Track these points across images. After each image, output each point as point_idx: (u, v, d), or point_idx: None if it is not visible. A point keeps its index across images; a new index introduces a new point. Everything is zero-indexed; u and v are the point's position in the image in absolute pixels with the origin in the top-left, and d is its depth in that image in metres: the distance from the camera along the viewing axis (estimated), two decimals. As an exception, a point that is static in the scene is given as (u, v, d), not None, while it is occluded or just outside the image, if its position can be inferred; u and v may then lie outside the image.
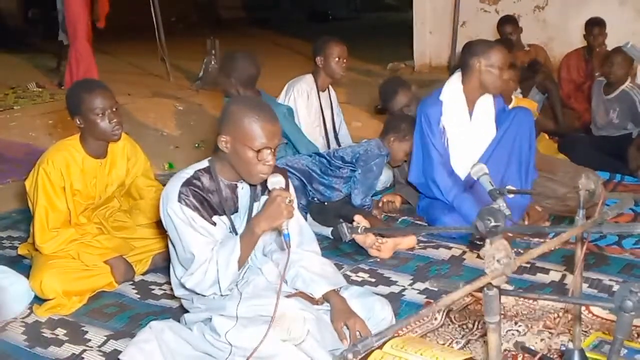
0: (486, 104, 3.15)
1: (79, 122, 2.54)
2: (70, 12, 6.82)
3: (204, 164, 2.07)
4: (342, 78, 3.87)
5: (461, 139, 3.13)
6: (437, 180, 3.10)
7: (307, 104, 3.75)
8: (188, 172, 2.04)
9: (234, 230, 2.07)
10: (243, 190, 2.09)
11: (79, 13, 6.80)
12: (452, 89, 3.13)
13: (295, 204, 2.05)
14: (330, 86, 3.92)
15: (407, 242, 2.98)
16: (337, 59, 3.73)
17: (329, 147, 3.87)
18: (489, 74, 3.00)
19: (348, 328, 1.99)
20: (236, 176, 2.05)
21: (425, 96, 3.32)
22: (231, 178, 2.06)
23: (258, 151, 1.93)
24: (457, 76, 3.15)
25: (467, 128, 3.13)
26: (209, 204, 2.01)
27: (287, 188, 2.05)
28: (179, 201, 1.97)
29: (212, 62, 7.41)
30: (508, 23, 5.14)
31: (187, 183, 2.00)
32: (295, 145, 3.58)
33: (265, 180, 1.99)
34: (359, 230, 2.11)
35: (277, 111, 3.51)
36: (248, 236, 1.97)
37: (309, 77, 3.80)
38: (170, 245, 2.11)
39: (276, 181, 1.96)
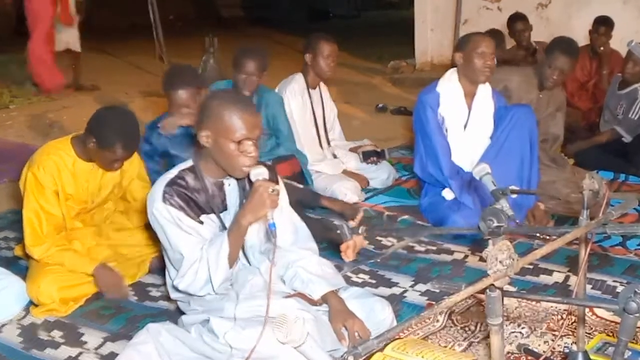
0: (485, 98, 3.15)
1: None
2: (31, 8, 6.01)
3: (188, 163, 2.06)
4: (332, 76, 3.77)
5: (460, 131, 3.13)
6: (441, 164, 3.10)
7: (301, 104, 3.70)
8: (172, 172, 2.03)
9: (224, 228, 2.05)
10: (230, 187, 2.07)
11: (41, 10, 6.02)
12: (449, 80, 3.17)
13: (285, 197, 2.02)
14: (321, 83, 3.86)
15: (359, 244, 2.86)
16: (325, 57, 3.63)
17: (320, 145, 3.81)
18: (469, 63, 3.06)
19: (347, 329, 1.97)
20: (221, 173, 2.03)
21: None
22: (217, 175, 2.04)
23: (239, 143, 1.91)
24: (452, 70, 3.19)
25: (465, 121, 3.13)
26: (195, 203, 2.00)
27: (274, 180, 2.02)
28: (164, 201, 1.96)
29: (211, 61, 7.40)
30: (519, 20, 5.09)
31: (171, 183, 1.98)
32: (282, 137, 3.53)
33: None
34: (360, 231, 2.09)
35: (272, 100, 3.50)
36: (235, 230, 1.95)
37: (299, 77, 3.73)
38: (162, 248, 2.09)
39: (259, 172, 1.95)
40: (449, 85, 3.16)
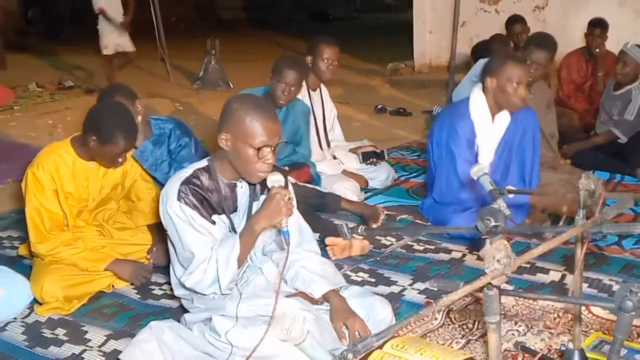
0: (506, 114, 3.08)
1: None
2: None
3: (204, 163, 2.07)
4: (332, 79, 3.76)
5: (487, 154, 3.07)
6: (462, 194, 3.02)
7: None
8: (187, 171, 2.04)
9: (233, 229, 2.07)
10: (242, 190, 2.09)
11: None
12: (479, 105, 3.02)
13: (294, 203, 2.05)
14: (322, 85, 3.86)
15: (358, 248, 2.90)
16: (325, 60, 3.62)
17: (320, 146, 3.83)
18: (502, 92, 2.91)
19: (347, 328, 1.99)
20: (235, 175, 2.05)
21: (448, 107, 3.25)
22: (230, 177, 2.06)
23: (258, 149, 1.93)
24: (479, 91, 3.04)
25: (491, 137, 3.08)
26: (208, 202, 2.02)
27: (286, 186, 2.05)
28: (179, 200, 1.97)
29: (212, 62, 7.43)
30: (517, 22, 5.12)
31: (187, 182, 2.00)
32: (299, 145, 3.56)
33: (264, 180, 1.99)
34: (360, 231, 2.12)
35: (300, 110, 3.51)
36: (247, 234, 1.98)
37: None
38: (169, 245, 2.11)
39: (275, 179, 1.96)
40: (481, 112, 3.01)
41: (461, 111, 3.06)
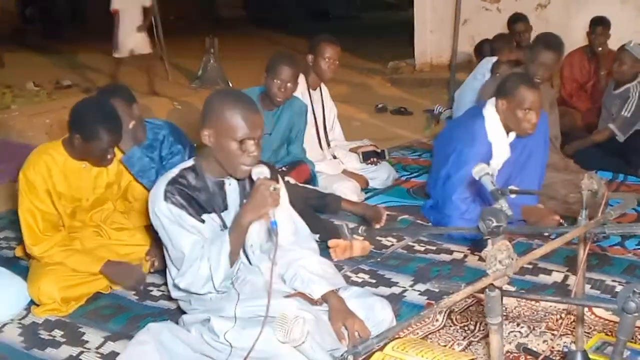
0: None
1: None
2: None
3: (190, 162, 2.07)
4: (333, 78, 3.75)
5: (499, 165, 3.03)
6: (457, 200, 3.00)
7: None
8: (174, 172, 2.04)
9: (225, 228, 2.06)
10: (231, 187, 2.08)
11: None
12: (495, 125, 2.96)
13: (285, 197, 2.03)
14: (322, 84, 3.85)
15: (359, 248, 2.88)
16: (326, 59, 3.61)
17: (320, 145, 3.82)
18: (514, 116, 2.87)
19: (347, 328, 1.97)
20: (222, 172, 2.04)
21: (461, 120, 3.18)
22: (218, 175, 2.05)
23: (241, 142, 1.92)
24: (493, 109, 2.97)
25: (505, 153, 3.04)
26: (196, 201, 2.01)
27: (272, 178, 2.03)
28: (165, 200, 1.97)
29: (211, 61, 7.42)
30: (520, 21, 5.12)
31: (173, 182, 1.99)
32: (292, 143, 3.54)
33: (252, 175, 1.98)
34: (360, 231, 2.11)
35: (297, 108, 3.49)
36: (236, 229, 1.97)
37: (300, 77, 3.64)
38: (164, 247, 2.09)
39: (260, 171, 1.95)
40: (497, 133, 2.96)
41: (477, 133, 2.98)
